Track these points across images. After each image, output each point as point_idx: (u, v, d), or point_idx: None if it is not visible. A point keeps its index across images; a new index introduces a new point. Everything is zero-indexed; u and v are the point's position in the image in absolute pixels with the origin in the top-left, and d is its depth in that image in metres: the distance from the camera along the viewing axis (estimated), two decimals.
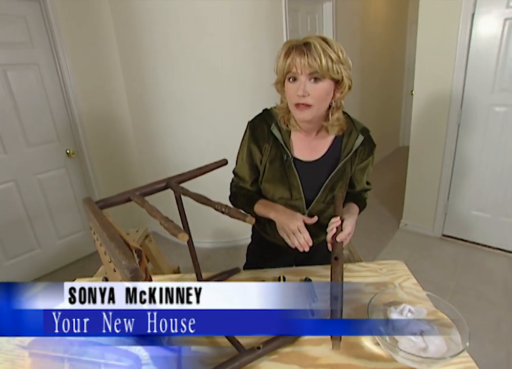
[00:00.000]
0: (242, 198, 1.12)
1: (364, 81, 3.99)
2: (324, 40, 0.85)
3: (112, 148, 2.82)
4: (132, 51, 2.56)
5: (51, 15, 2.24)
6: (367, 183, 1.18)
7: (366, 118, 4.20)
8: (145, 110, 2.71)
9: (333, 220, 0.96)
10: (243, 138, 1.08)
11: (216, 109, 2.53)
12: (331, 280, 0.88)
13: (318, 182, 1.05)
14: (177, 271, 1.87)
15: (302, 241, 0.92)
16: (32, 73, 2.29)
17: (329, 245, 0.96)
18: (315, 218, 0.97)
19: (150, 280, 0.60)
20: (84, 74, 2.51)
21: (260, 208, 1.06)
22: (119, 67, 2.71)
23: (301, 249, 0.94)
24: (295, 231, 0.93)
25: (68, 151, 2.55)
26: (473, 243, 2.64)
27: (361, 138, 1.02)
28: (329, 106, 0.94)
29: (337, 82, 0.89)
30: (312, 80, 0.86)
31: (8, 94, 2.21)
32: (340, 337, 0.76)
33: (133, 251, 0.57)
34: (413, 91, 2.62)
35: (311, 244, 0.94)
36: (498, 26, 2.11)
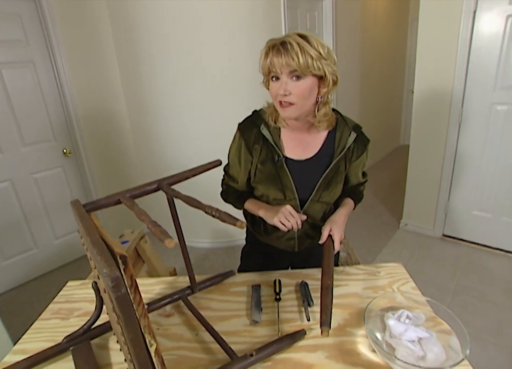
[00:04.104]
0: (233, 195, 1.14)
1: (364, 79, 3.96)
2: (303, 37, 0.83)
3: (110, 147, 2.80)
4: (129, 48, 2.53)
5: (46, 12, 2.21)
6: (364, 174, 1.16)
7: (367, 116, 4.17)
8: (142, 108, 2.68)
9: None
10: (233, 140, 1.06)
11: (214, 109, 2.50)
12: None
13: (312, 181, 1.02)
14: (173, 272, 1.84)
15: (292, 219, 0.95)
16: (27, 71, 2.27)
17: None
18: (304, 217, 1.00)
19: (137, 287, 0.57)
20: (81, 72, 2.48)
21: (250, 206, 1.09)
22: (116, 65, 2.69)
23: (295, 228, 0.96)
24: (286, 214, 0.95)
25: (64, 150, 2.53)
26: (474, 243, 2.61)
27: (353, 136, 1.00)
28: (316, 102, 0.92)
29: (320, 78, 0.87)
30: (294, 78, 0.85)
31: (3, 93, 2.19)
32: (330, 324, 0.77)
33: (118, 257, 0.55)
34: (413, 90, 2.58)
35: (304, 218, 0.99)
36: (500, 23, 2.07)
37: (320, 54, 0.83)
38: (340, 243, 1.01)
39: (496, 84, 2.19)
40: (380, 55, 4.27)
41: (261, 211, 1.02)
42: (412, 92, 2.64)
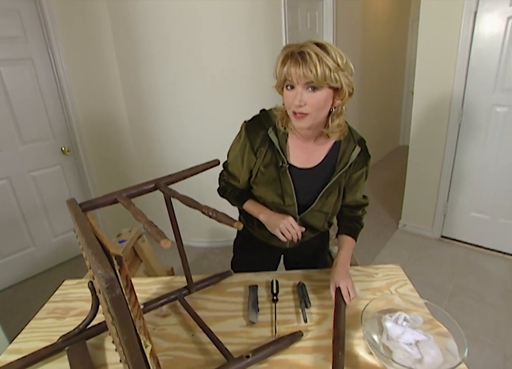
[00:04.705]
0: (232, 193, 1.12)
1: (364, 79, 3.95)
2: (322, 47, 0.81)
3: (109, 146, 2.79)
4: (129, 46, 2.52)
5: (45, 8, 2.20)
6: (364, 197, 1.15)
7: (366, 116, 4.16)
8: (141, 107, 2.67)
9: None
10: (237, 138, 1.04)
11: (214, 109, 2.49)
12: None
13: (312, 189, 1.02)
14: (171, 272, 1.83)
15: (293, 231, 0.95)
16: (26, 68, 2.25)
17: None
18: (303, 228, 0.99)
19: (132, 288, 0.56)
20: (80, 69, 2.47)
21: (250, 208, 1.08)
22: (115, 64, 2.67)
23: (295, 239, 0.97)
24: (287, 226, 0.95)
25: (63, 148, 2.52)
26: (472, 244, 2.61)
27: (358, 150, 0.99)
28: (329, 112, 0.90)
29: (336, 90, 0.85)
30: (310, 89, 0.83)
31: (2, 90, 2.17)
32: None
33: (113, 258, 0.54)
34: (413, 91, 2.58)
35: (303, 230, 0.98)
36: (501, 24, 2.07)
37: (338, 65, 0.81)
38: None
39: (496, 85, 2.18)
40: (380, 55, 4.26)
41: (262, 216, 1.02)
42: (412, 93, 2.64)
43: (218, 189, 1.17)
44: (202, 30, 2.30)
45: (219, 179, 1.17)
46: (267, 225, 1.00)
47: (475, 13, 2.13)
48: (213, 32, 2.32)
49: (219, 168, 1.09)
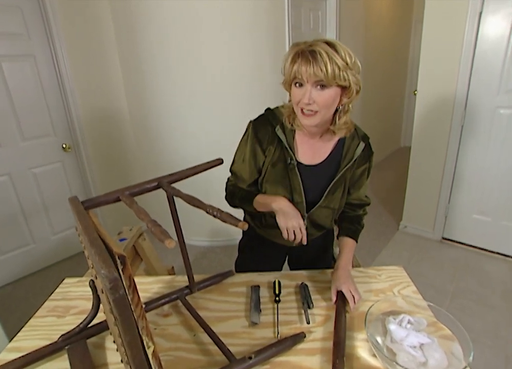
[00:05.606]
0: (240, 196, 1.08)
1: (366, 79, 3.94)
2: (331, 45, 0.81)
3: (110, 143, 2.78)
4: (131, 44, 2.51)
5: (48, 5, 2.19)
6: (366, 196, 1.14)
7: (368, 117, 4.15)
8: (143, 106, 2.66)
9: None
10: (244, 138, 1.04)
11: (214, 109, 2.48)
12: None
13: (319, 185, 1.02)
14: (171, 271, 1.83)
15: (299, 236, 0.92)
16: (27, 65, 2.24)
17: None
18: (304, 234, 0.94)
19: (135, 288, 0.56)
20: (82, 67, 2.46)
21: (260, 201, 1.01)
22: (117, 61, 2.66)
23: (296, 243, 0.94)
24: (296, 228, 0.91)
25: (64, 145, 2.51)
26: (473, 246, 2.61)
27: (362, 146, 1.00)
28: (336, 110, 0.90)
29: (344, 88, 0.85)
30: (318, 87, 0.83)
31: (3, 86, 2.16)
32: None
33: (117, 257, 0.53)
34: (416, 91, 2.57)
35: (305, 243, 0.93)
36: (506, 26, 2.05)
37: (347, 64, 0.81)
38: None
39: (500, 87, 2.17)
40: (383, 55, 4.25)
41: (275, 205, 0.94)
42: (415, 93, 2.63)
43: (226, 197, 1.12)
44: (202, 30, 2.29)
45: (226, 186, 1.13)
46: (278, 215, 0.93)
47: (480, 13, 2.11)
48: (213, 32, 2.31)
49: (224, 168, 1.07)
